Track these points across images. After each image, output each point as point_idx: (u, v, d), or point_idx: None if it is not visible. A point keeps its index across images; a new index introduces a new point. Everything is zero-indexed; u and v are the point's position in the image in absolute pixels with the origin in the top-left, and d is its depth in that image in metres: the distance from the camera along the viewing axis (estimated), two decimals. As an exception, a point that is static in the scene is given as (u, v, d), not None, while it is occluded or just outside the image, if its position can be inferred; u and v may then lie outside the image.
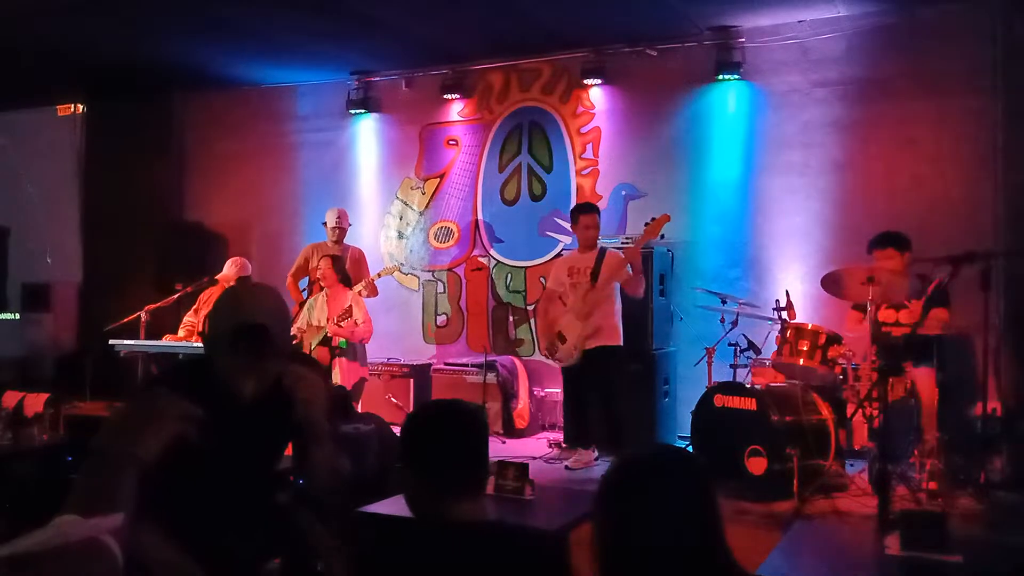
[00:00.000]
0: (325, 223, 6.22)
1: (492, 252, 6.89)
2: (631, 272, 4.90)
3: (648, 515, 1.34)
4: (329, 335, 5.38)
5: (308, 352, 5.48)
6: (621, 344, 5.03)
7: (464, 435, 1.75)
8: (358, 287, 5.66)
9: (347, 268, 5.74)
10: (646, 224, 5.00)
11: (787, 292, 4.81)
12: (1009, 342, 4.93)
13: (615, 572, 1.36)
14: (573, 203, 6.55)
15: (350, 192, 7.37)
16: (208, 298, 5.50)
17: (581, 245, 5.16)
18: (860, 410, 4.32)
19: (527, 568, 1.58)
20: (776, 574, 2.27)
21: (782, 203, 5.87)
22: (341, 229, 6.17)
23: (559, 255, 6.53)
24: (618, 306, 5.05)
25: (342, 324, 5.30)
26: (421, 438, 1.76)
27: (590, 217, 5.11)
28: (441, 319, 7.05)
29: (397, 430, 4.39)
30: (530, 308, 6.73)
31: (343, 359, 5.43)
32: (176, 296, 5.62)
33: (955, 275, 3.92)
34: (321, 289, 5.63)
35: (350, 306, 5.31)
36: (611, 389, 4.95)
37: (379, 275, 5.90)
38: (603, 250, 5.08)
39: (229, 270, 5.38)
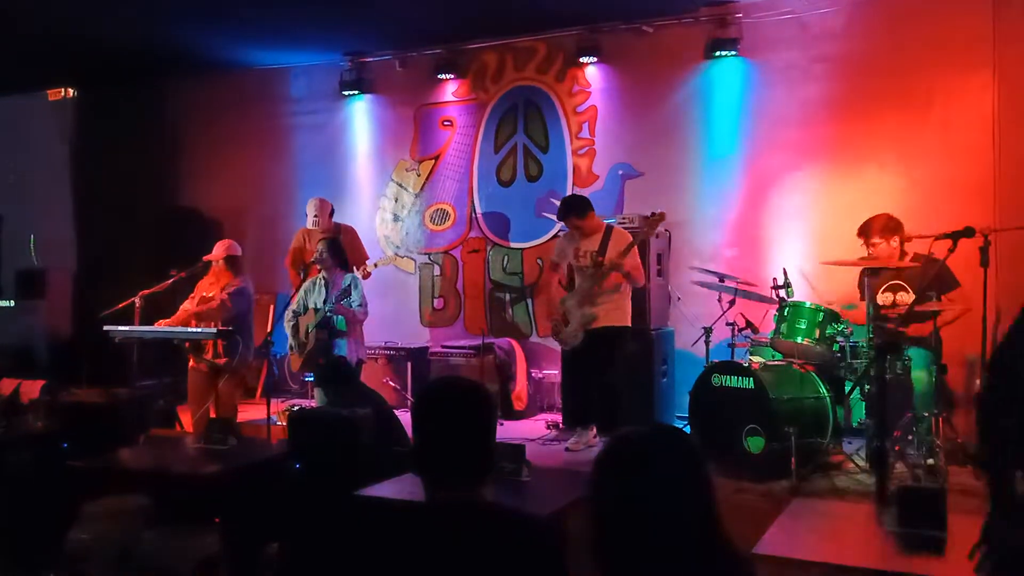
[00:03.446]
0: (307, 215, 6.23)
1: (488, 233, 6.85)
2: (626, 264, 4.87)
3: (642, 494, 1.33)
4: (328, 315, 5.38)
5: (305, 335, 5.47)
6: (628, 325, 5.01)
7: (475, 416, 1.74)
8: (359, 271, 5.66)
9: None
10: (647, 218, 5.10)
11: (784, 270, 4.79)
12: (1007, 317, 4.91)
13: (610, 552, 1.35)
14: (570, 183, 6.53)
15: (345, 174, 7.32)
16: (205, 285, 5.46)
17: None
18: (858, 388, 4.32)
19: (521, 549, 1.57)
20: (774, 552, 2.27)
21: (780, 181, 5.83)
22: (324, 220, 6.16)
23: (557, 235, 6.51)
24: (627, 287, 5.00)
25: (342, 303, 5.31)
26: (432, 418, 1.75)
27: (567, 221, 5.10)
28: (438, 302, 7.03)
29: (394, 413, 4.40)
30: (527, 289, 6.71)
31: (347, 336, 5.43)
32: (170, 282, 5.57)
33: (954, 251, 3.90)
34: (319, 272, 5.61)
35: (349, 286, 5.32)
36: (613, 370, 4.92)
37: (376, 265, 5.92)
38: (609, 228, 5.03)
39: (218, 251, 5.36)
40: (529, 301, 6.70)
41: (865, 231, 4.56)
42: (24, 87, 7.85)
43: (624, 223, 5.62)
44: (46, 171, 8.05)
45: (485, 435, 1.75)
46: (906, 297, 4.43)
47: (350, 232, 6.36)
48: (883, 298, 4.52)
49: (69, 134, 7.98)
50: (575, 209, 5.09)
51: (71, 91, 7.93)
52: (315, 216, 6.18)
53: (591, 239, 5.03)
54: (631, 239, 4.96)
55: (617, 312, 4.96)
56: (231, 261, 5.34)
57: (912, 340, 4.32)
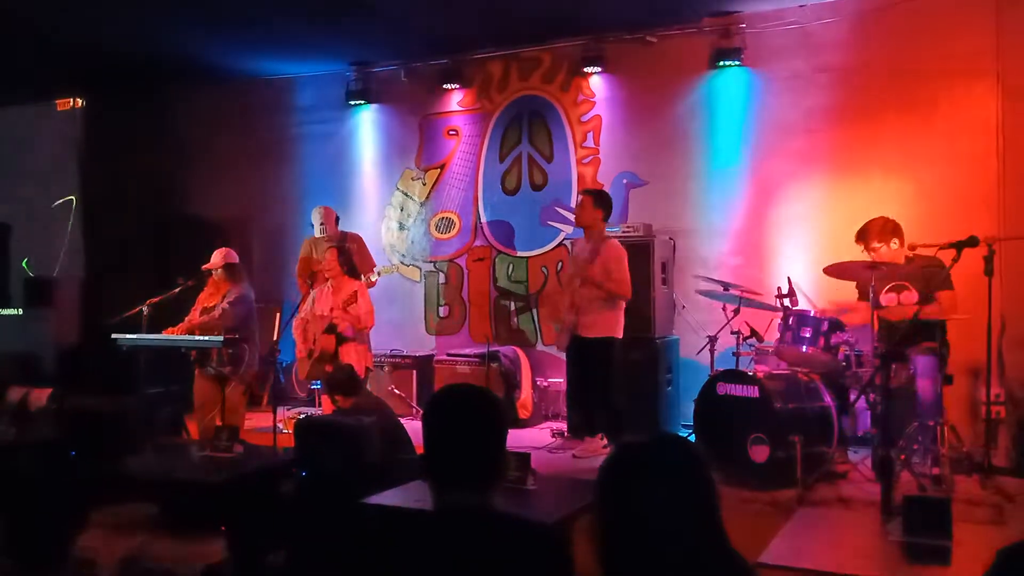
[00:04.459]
0: (312, 223, 6.31)
1: (493, 242, 6.88)
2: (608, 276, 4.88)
3: (647, 503, 1.33)
4: (334, 322, 5.40)
5: (313, 341, 5.48)
6: (618, 336, 4.99)
7: (487, 423, 1.75)
8: (366, 278, 5.70)
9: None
10: None
11: (789, 279, 4.80)
12: (1012, 327, 4.91)
13: (614, 561, 1.36)
14: (574, 192, 6.55)
15: (351, 184, 7.36)
16: (206, 296, 5.48)
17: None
18: (863, 396, 4.31)
19: (526, 558, 1.58)
20: (779, 561, 2.27)
21: (784, 190, 5.84)
22: (330, 227, 6.22)
23: (562, 243, 6.53)
24: (619, 300, 4.99)
25: (348, 309, 5.33)
26: (444, 424, 1.75)
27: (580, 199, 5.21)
28: (443, 310, 7.05)
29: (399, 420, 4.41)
30: (532, 298, 6.73)
31: (354, 343, 5.45)
32: (178, 290, 5.59)
33: (958, 260, 3.90)
34: (326, 280, 5.64)
35: (355, 291, 5.35)
36: (609, 381, 4.94)
37: (379, 273, 5.96)
38: (605, 240, 5.05)
39: (215, 259, 5.38)
40: (534, 309, 6.71)
41: (863, 236, 4.57)
42: (32, 97, 7.92)
43: (628, 232, 5.65)
44: (54, 180, 8.10)
45: (496, 442, 1.75)
46: (910, 296, 4.42)
47: (357, 239, 6.41)
48: (886, 298, 4.52)
49: (77, 143, 8.02)
50: (589, 194, 5.19)
51: (80, 101, 7.99)
52: (321, 224, 6.24)
53: (587, 245, 5.06)
54: (620, 254, 4.94)
55: (600, 324, 4.94)
56: (230, 269, 5.36)
57: (921, 346, 4.31)
